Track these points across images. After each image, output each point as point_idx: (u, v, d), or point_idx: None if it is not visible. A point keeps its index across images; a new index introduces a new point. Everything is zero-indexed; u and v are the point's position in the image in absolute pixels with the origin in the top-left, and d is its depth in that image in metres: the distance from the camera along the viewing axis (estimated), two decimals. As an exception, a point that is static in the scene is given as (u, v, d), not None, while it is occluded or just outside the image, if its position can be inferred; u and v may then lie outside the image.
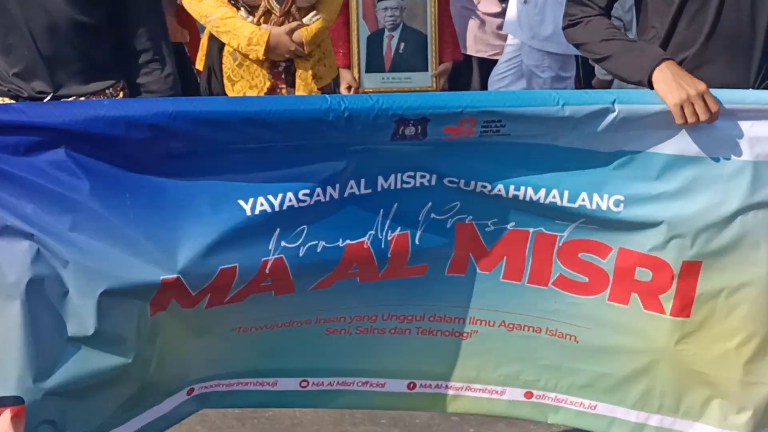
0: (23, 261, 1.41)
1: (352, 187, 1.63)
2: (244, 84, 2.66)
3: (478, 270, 1.74)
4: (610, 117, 1.63)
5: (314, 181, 1.58)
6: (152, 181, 1.52)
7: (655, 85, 1.67)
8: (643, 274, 1.70)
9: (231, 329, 1.68)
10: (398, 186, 1.66)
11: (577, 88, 4.33)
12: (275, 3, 2.62)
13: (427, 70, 3.17)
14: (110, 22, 1.84)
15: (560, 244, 1.71)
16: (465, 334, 1.78)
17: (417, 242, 1.69)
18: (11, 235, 1.41)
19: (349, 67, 3.14)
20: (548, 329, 1.77)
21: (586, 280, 1.74)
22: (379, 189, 1.65)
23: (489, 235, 1.72)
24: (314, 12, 2.68)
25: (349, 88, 3.09)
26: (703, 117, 1.62)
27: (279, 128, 1.54)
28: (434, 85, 3.18)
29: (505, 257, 1.73)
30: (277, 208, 1.56)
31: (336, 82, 2.96)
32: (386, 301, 1.74)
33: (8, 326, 1.40)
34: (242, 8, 2.62)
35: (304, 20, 2.66)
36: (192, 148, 1.54)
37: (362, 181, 1.63)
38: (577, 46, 1.92)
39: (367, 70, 3.11)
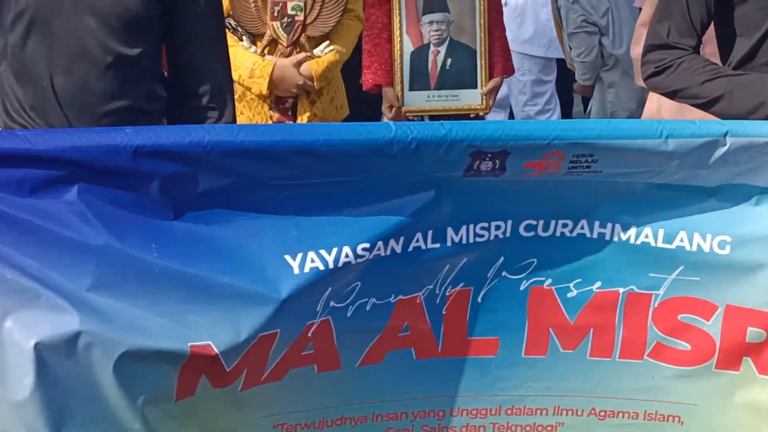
0: (27, 325, 1.17)
1: (417, 240, 1.42)
2: (243, 120, 2.36)
3: (560, 349, 1.53)
4: (720, 151, 1.43)
5: (376, 231, 1.38)
6: (183, 228, 1.30)
7: None
8: (756, 335, 1.49)
9: (271, 427, 1.44)
10: (470, 240, 1.45)
11: (557, 92, 4.37)
12: (282, 31, 2.31)
13: (476, 86, 2.88)
14: (155, 56, 1.53)
15: (656, 305, 1.50)
16: (549, 428, 1.56)
17: (479, 301, 1.49)
18: (12, 294, 1.18)
19: (391, 85, 2.85)
20: (647, 413, 1.55)
21: (689, 347, 1.52)
22: (449, 243, 1.44)
23: (572, 303, 1.50)
24: (327, 42, 2.37)
25: (391, 107, 2.82)
26: None
27: (333, 162, 1.33)
28: (484, 103, 2.91)
29: (591, 329, 1.52)
30: (331, 266, 1.34)
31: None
32: (453, 388, 1.52)
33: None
34: (244, 37, 2.33)
35: (315, 51, 2.36)
36: (230, 185, 1.32)
37: (430, 233, 1.42)
38: (669, 94, 1.74)
39: (411, 89, 2.82)
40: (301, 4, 2.28)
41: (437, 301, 1.46)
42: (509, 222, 1.46)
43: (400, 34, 2.76)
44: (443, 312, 1.47)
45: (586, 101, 4.50)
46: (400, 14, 2.75)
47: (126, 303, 1.23)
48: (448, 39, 2.86)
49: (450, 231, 1.43)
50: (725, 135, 1.42)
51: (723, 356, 1.51)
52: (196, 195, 1.30)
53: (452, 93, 2.87)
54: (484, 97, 2.89)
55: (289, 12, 2.28)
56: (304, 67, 2.30)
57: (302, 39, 2.32)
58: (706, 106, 1.64)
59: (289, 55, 2.31)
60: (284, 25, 2.29)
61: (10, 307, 1.17)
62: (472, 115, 2.94)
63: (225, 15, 2.31)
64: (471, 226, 1.44)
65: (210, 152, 1.24)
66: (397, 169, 1.35)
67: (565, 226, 1.47)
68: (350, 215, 1.37)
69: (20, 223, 1.19)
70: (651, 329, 1.51)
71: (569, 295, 1.49)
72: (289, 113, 2.38)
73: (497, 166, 1.37)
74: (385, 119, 2.84)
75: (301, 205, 1.35)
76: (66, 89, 1.46)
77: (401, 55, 2.77)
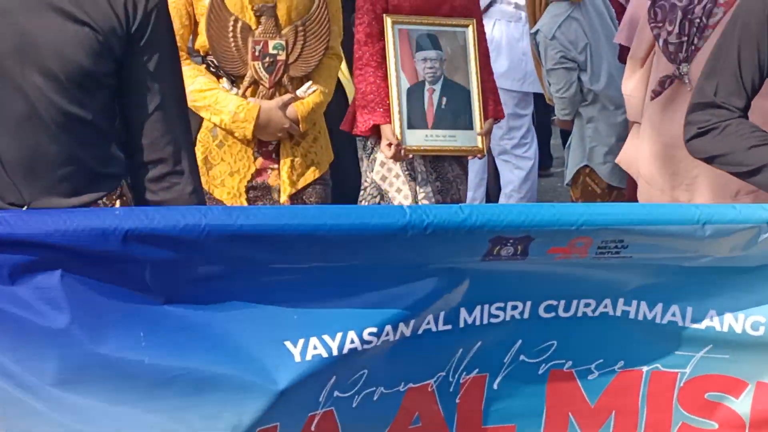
0: None
1: (428, 323, 1.33)
2: (224, 168, 2.23)
3: None
4: (762, 237, 1.35)
5: (383, 315, 1.28)
6: (174, 316, 1.20)
7: None
8: None
9: None
10: (484, 321, 1.36)
11: (534, 125, 4.38)
12: (264, 72, 2.19)
13: (471, 127, 2.78)
14: (110, 116, 1.41)
15: (682, 384, 1.44)
16: None
17: (495, 388, 1.40)
18: None
19: (389, 122, 2.71)
20: None
21: (716, 426, 1.45)
22: (461, 325, 1.35)
23: (592, 385, 1.43)
24: (309, 83, 2.27)
25: (390, 145, 2.67)
26: None
27: (340, 246, 1.24)
28: (481, 144, 2.81)
29: (613, 412, 1.45)
30: (335, 352, 1.25)
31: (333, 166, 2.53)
32: None
33: None
34: (224, 78, 2.21)
35: (298, 92, 2.25)
36: (227, 271, 1.23)
37: (441, 314, 1.33)
38: (710, 159, 1.62)
39: (409, 126, 2.70)
40: (283, 42, 2.17)
41: (450, 389, 1.38)
42: (528, 303, 1.37)
43: (396, 71, 2.65)
44: (457, 401, 1.39)
45: (565, 134, 4.49)
46: (395, 50, 2.65)
47: (110, 398, 1.13)
48: (442, 77, 2.78)
49: (463, 312, 1.34)
50: None
51: None
52: (190, 281, 1.21)
53: (449, 134, 2.77)
54: (481, 138, 2.79)
55: (271, 51, 2.17)
56: (289, 110, 2.19)
57: (285, 79, 2.21)
58: (748, 175, 1.54)
59: (272, 96, 2.19)
60: (266, 65, 2.17)
61: None
62: (470, 157, 2.89)
63: (204, 55, 2.24)
64: (486, 307, 1.35)
65: (207, 237, 1.15)
66: (410, 254, 1.27)
67: (587, 305, 1.40)
68: (356, 298, 1.28)
69: None
70: (676, 409, 1.44)
71: (590, 377, 1.42)
72: (273, 156, 2.26)
73: (519, 252, 1.29)
74: (381, 156, 2.71)
75: (302, 288, 1.27)
76: (13, 155, 1.33)
77: (399, 92, 2.66)
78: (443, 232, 1.23)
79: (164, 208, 1.33)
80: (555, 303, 1.38)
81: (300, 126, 2.21)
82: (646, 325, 1.40)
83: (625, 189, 3.34)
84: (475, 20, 2.83)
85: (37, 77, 1.29)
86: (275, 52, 2.18)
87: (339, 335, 1.24)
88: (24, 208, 1.35)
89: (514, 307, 1.36)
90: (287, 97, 2.20)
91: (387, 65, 2.64)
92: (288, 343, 1.23)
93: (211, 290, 1.22)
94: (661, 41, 2.58)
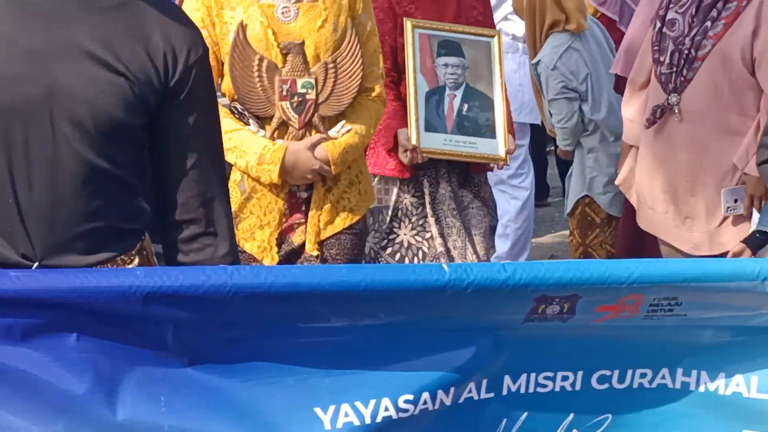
0: None
1: (470, 391, 1.28)
2: (253, 222, 2.12)
3: None
4: None
5: (420, 381, 1.23)
6: (197, 380, 1.16)
7: None
8: None
9: None
10: (530, 389, 1.31)
11: (530, 155, 4.43)
12: (292, 112, 2.09)
13: (494, 136, 2.73)
14: (139, 170, 1.33)
15: None
16: None
17: None
18: None
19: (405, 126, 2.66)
20: None
21: None
22: (505, 392, 1.31)
23: None
24: (343, 122, 2.15)
25: (405, 151, 2.60)
26: None
27: (375, 306, 1.20)
28: (504, 153, 2.74)
29: None
30: (368, 420, 1.20)
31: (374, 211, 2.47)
32: None
33: None
34: (251, 121, 2.11)
35: (331, 132, 2.13)
36: (254, 333, 1.19)
37: (484, 382, 1.28)
38: None
39: (427, 129, 2.63)
40: (312, 81, 2.07)
41: None
42: (579, 373, 1.32)
43: (414, 73, 2.59)
44: None
45: (562, 164, 4.50)
46: (414, 55, 2.59)
47: None
48: (464, 84, 2.73)
49: (507, 379, 1.29)
50: None
51: None
52: (214, 342, 1.18)
53: (470, 140, 2.71)
54: (506, 146, 2.73)
55: (299, 90, 2.07)
56: (319, 150, 2.08)
57: (315, 119, 2.11)
58: None
59: (302, 137, 2.09)
60: (294, 105, 2.07)
61: None
62: (491, 165, 2.83)
63: (230, 99, 2.13)
64: (532, 375, 1.30)
65: (233, 297, 1.11)
66: (450, 315, 1.23)
67: (643, 376, 1.34)
68: (392, 363, 1.23)
69: (9, 373, 1.06)
70: None
71: None
72: (303, 208, 2.15)
73: (565, 310, 1.24)
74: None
75: (334, 351, 1.21)
76: (32, 203, 1.25)
77: (416, 94, 2.59)
78: (485, 291, 1.18)
79: (188, 267, 1.28)
80: (608, 373, 1.32)
81: (331, 168, 2.09)
82: (709, 397, 1.33)
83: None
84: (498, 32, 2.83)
85: (65, 125, 1.23)
86: (304, 90, 2.08)
87: (372, 402, 1.19)
88: (33, 267, 1.26)
89: (565, 378, 1.30)
90: (317, 137, 2.10)
91: (405, 68, 2.60)
92: (318, 410, 1.18)
93: (236, 353, 1.18)
94: (657, 69, 2.61)
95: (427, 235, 2.68)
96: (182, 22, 1.31)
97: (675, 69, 2.54)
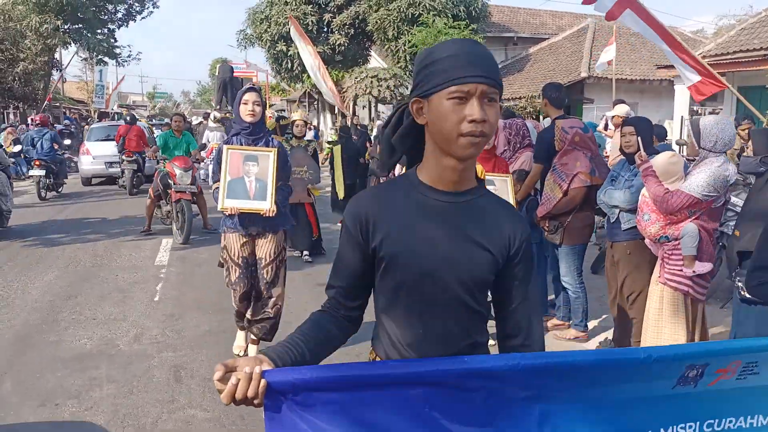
0: None
1: None
2: None
3: None
4: None
5: None
6: None
7: None
8: None
9: None
10: None
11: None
12: None
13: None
14: (487, 304, 1.86)
15: None
16: None
17: None
18: None
19: None
20: None
21: None
22: None
23: None
24: None
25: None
26: None
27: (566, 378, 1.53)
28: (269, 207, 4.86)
29: None
30: None
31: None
32: None
33: None
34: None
35: None
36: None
37: None
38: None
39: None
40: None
41: None
42: (696, 422, 1.58)
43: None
44: None
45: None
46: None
47: None
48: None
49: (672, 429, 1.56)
50: None
51: None
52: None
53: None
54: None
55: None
56: None
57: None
58: None
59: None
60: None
61: None
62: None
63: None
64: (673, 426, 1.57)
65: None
66: (639, 377, 1.51)
67: (731, 422, 1.61)
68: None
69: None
70: None
71: None
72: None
73: (699, 374, 1.52)
74: None
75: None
76: (431, 332, 1.79)
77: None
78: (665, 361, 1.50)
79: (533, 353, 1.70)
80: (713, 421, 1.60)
81: None
82: None
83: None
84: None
85: (454, 283, 1.74)
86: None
87: None
88: None
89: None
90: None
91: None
92: None
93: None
94: None
95: None
96: (514, 214, 1.85)
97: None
